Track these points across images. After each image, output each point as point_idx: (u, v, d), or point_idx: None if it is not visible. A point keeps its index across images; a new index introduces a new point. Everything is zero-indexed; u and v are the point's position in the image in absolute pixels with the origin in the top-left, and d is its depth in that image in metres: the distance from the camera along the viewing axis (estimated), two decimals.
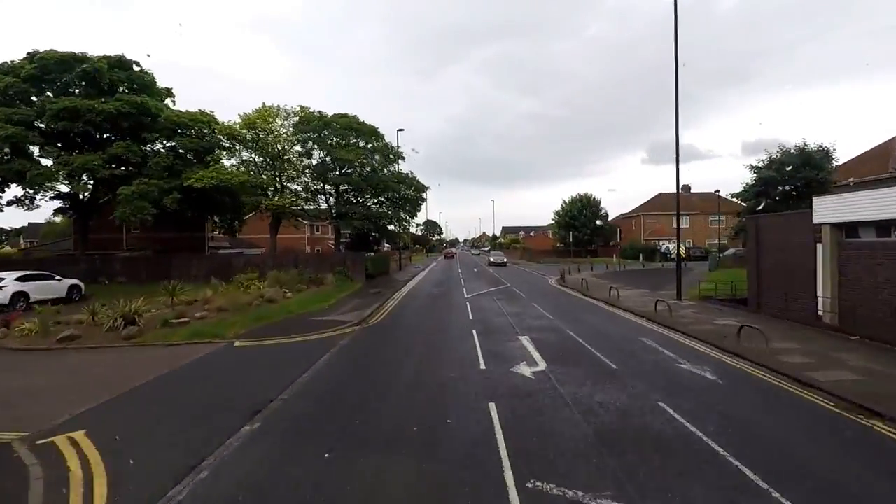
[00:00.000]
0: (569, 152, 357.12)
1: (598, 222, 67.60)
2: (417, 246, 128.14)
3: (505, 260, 56.37)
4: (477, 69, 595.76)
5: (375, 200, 35.21)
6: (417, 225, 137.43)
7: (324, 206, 34.78)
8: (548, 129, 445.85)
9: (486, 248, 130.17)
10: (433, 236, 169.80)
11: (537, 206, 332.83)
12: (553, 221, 72.05)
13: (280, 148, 30.82)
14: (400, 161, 35.06)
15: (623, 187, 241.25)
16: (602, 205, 69.35)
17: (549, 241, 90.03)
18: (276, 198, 29.87)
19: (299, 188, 33.28)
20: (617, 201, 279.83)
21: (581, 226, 66.74)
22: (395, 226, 38.44)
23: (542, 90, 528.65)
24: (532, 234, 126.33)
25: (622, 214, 74.84)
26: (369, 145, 33.64)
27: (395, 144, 35.79)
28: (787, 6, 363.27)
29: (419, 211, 37.39)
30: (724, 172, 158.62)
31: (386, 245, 53.62)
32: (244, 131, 29.94)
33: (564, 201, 70.46)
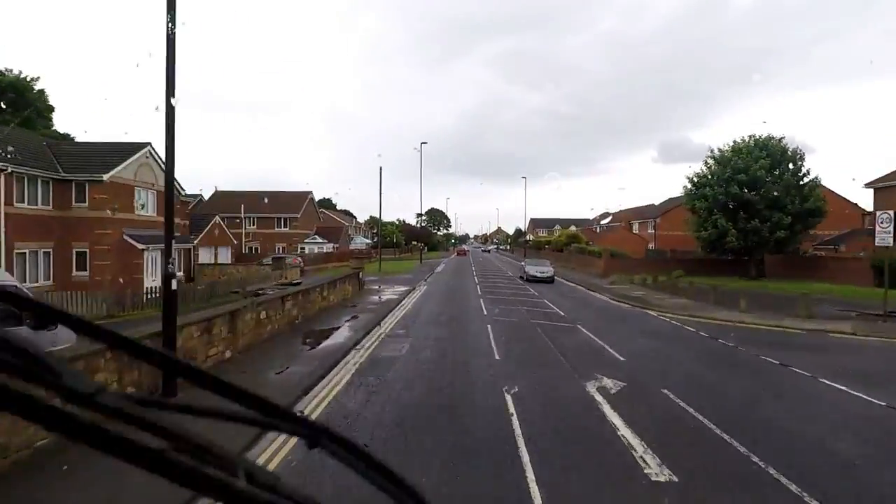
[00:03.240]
0: (578, 149, 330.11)
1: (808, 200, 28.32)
2: (414, 243, 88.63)
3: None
4: (486, 63, 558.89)
5: None
6: (419, 215, 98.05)
7: None
8: (557, 126, 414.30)
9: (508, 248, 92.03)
10: (438, 229, 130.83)
11: (553, 203, 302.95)
12: (690, 193, 32.20)
13: None
14: None
15: (633, 186, 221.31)
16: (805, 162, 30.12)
17: (642, 240, 50.80)
18: None
19: None
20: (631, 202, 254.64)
21: (768, 207, 27.89)
22: None
23: (551, 86, 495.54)
24: (575, 228, 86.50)
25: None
26: None
27: None
28: (803, 6, 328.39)
29: None
30: None
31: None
32: None
33: (718, 150, 31.04)
